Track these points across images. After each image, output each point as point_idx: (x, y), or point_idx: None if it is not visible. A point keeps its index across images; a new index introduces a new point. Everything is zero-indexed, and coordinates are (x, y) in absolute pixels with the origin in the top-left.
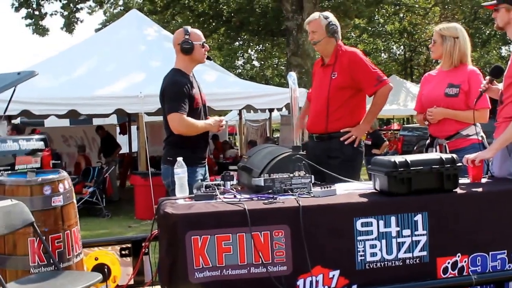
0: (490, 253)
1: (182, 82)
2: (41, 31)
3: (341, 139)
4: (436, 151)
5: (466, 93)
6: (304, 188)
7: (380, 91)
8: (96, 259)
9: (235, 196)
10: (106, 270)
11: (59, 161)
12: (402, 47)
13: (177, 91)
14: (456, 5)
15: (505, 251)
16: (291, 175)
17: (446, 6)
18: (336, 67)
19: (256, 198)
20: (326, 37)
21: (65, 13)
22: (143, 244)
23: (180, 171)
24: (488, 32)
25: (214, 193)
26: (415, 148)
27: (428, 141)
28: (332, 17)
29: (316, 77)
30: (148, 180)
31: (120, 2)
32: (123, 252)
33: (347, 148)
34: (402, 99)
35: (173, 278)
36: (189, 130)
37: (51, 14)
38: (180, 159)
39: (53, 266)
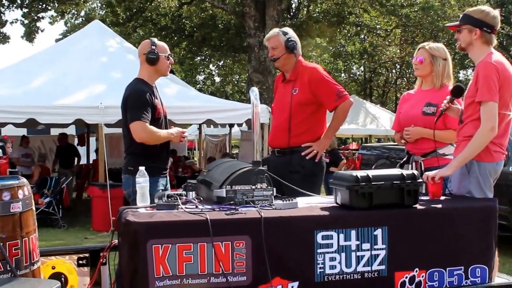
0: (448, 268)
1: (145, 91)
2: (2, 38)
3: (303, 153)
4: (411, 168)
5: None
6: (266, 200)
7: (340, 106)
8: (53, 267)
9: (197, 206)
10: (63, 279)
11: (16, 169)
12: (362, 67)
13: (140, 99)
14: (417, 28)
15: (462, 267)
16: (253, 187)
17: (407, 29)
18: (296, 83)
19: (218, 209)
20: (285, 53)
21: (26, 21)
22: (101, 254)
23: (142, 180)
24: None
25: (176, 203)
26: (373, 167)
27: (405, 158)
28: (291, 33)
29: (277, 92)
30: (106, 191)
31: (82, 13)
32: (80, 261)
33: (308, 162)
34: (361, 119)
35: (134, 286)
36: (152, 138)
37: (11, 22)
38: (142, 168)
39: (10, 273)
